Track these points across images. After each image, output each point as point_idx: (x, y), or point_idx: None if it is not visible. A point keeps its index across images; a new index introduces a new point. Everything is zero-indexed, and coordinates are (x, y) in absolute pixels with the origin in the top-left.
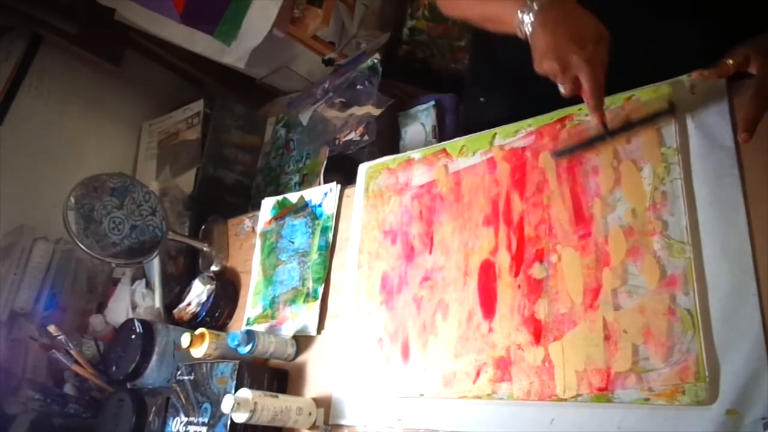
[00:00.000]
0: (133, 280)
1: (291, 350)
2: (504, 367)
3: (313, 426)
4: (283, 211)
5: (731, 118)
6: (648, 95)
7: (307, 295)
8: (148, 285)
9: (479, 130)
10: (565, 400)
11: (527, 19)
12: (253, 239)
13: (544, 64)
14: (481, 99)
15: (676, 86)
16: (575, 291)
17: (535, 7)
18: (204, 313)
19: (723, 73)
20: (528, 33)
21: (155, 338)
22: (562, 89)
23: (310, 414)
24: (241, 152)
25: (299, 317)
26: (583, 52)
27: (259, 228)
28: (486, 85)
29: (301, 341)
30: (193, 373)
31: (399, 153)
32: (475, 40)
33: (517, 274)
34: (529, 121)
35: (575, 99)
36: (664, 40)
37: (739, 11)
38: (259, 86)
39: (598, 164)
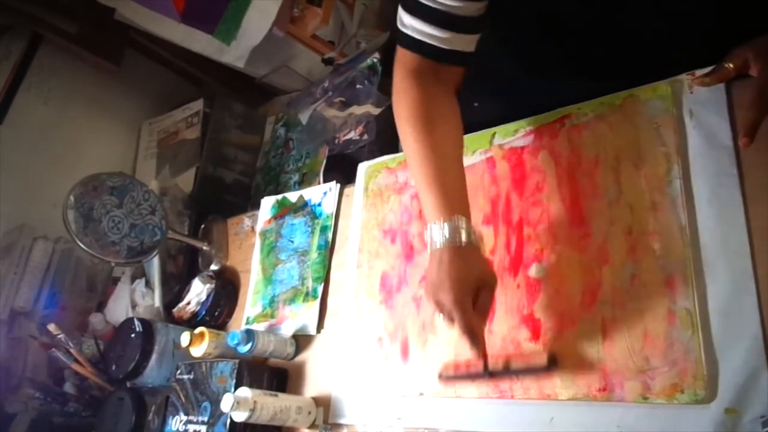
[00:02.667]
0: (132, 279)
1: (290, 349)
2: (504, 366)
3: (313, 425)
4: (283, 210)
5: (730, 118)
6: (647, 94)
7: (307, 294)
8: (148, 284)
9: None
10: (565, 399)
11: (432, 239)
12: (253, 238)
13: (426, 297)
14: (475, 104)
15: (675, 85)
16: (574, 290)
17: (437, 237)
18: (204, 312)
19: (723, 77)
20: (429, 251)
21: (155, 337)
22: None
23: (309, 413)
24: (241, 151)
25: (299, 316)
26: (454, 295)
27: (259, 227)
28: (479, 90)
29: (301, 340)
30: (192, 372)
31: (398, 152)
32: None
33: (516, 274)
34: (529, 120)
35: (572, 101)
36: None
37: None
38: (259, 85)
39: (598, 164)
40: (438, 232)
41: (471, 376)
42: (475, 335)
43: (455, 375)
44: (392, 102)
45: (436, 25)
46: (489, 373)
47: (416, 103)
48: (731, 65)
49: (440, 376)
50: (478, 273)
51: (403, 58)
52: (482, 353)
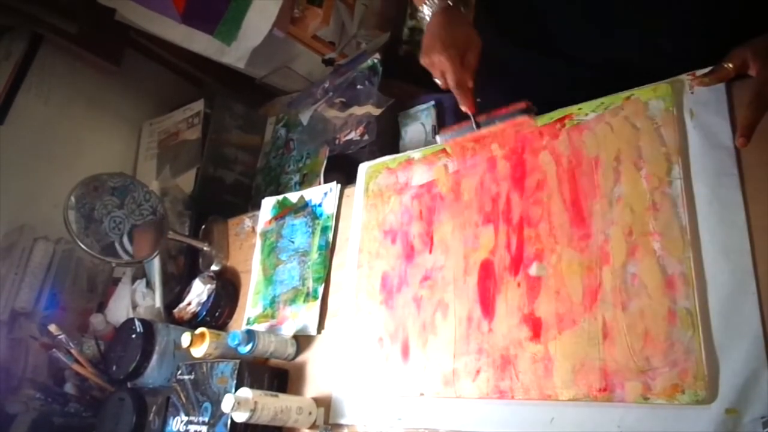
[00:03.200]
0: (133, 280)
1: (291, 350)
2: (504, 366)
3: (313, 425)
4: (284, 210)
5: (730, 118)
6: (647, 94)
7: (307, 294)
8: (149, 284)
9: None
10: (565, 399)
11: (427, 13)
12: (254, 239)
13: (421, 60)
14: (478, 100)
15: (675, 85)
16: (575, 290)
17: (428, 12)
18: (204, 313)
19: (723, 78)
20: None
21: (155, 338)
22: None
23: (310, 413)
24: (241, 152)
25: (299, 317)
26: (446, 53)
27: (260, 228)
28: (482, 87)
29: (301, 341)
30: (193, 373)
31: (399, 153)
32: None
33: (516, 274)
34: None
35: (571, 100)
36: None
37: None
38: (259, 86)
39: (598, 164)
40: (429, 3)
41: (463, 131)
42: (464, 88)
43: (451, 132)
44: None
45: None
46: (477, 125)
47: None
48: (731, 65)
49: (439, 135)
50: (464, 35)
51: None
52: (471, 105)
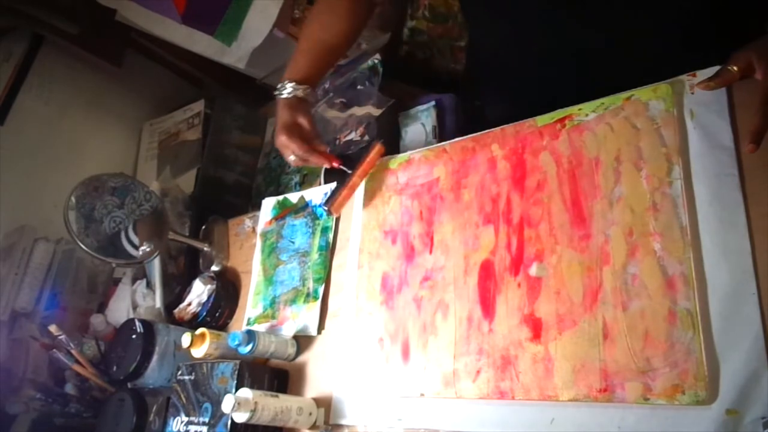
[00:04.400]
0: (133, 280)
1: (291, 350)
2: (504, 366)
3: (314, 426)
4: (284, 211)
5: (731, 118)
6: (647, 95)
7: (308, 295)
8: (149, 285)
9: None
10: (565, 399)
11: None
12: (254, 239)
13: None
14: (477, 103)
15: (676, 85)
16: (575, 291)
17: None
18: (204, 313)
19: (728, 81)
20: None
21: (156, 338)
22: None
23: (310, 414)
24: (242, 152)
25: (300, 317)
26: (284, 137)
27: (260, 228)
28: (480, 89)
29: (302, 341)
30: (193, 373)
31: (399, 153)
32: (470, 43)
33: (517, 274)
34: (529, 121)
35: (571, 100)
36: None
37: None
38: (260, 86)
39: (599, 165)
40: (285, 88)
41: (338, 185)
42: (317, 154)
43: (334, 197)
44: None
45: None
46: (349, 169)
47: (321, 2)
48: (735, 68)
49: (329, 211)
50: (292, 116)
51: None
52: (330, 161)
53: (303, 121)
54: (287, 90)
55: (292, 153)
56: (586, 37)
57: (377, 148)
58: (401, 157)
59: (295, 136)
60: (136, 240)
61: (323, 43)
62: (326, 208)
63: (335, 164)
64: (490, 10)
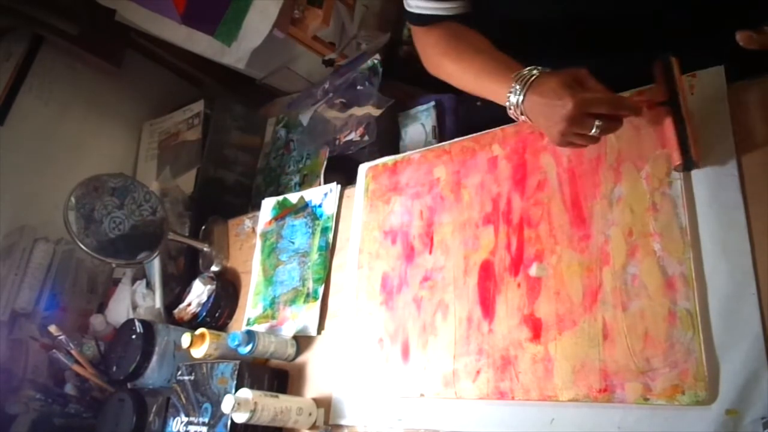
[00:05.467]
0: (133, 281)
1: (291, 350)
2: (504, 366)
3: (314, 426)
4: (284, 211)
5: (731, 118)
6: (648, 94)
7: (308, 295)
8: (149, 285)
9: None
10: (565, 400)
11: (516, 100)
12: (254, 239)
13: (560, 143)
14: (478, 103)
15: None
16: (575, 291)
17: (520, 94)
18: (204, 314)
19: (764, 43)
20: (522, 115)
21: (156, 338)
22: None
23: (310, 414)
24: (242, 153)
25: (299, 317)
26: (571, 107)
27: (260, 228)
28: None
29: (302, 341)
30: (193, 373)
31: (399, 153)
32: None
33: (516, 274)
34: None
35: None
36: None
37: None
38: (260, 87)
39: (599, 165)
40: (514, 96)
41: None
42: (628, 101)
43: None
44: (427, 66)
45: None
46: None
47: (441, 43)
48: None
49: (696, 164)
50: (563, 79)
51: (417, 34)
52: (644, 101)
53: (567, 72)
54: (531, 74)
55: (596, 117)
56: (582, 33)
57: (671, 64)
58: (401, 157)
59: (587, 89)
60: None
61: (485, 48)
62: (687, 163)
63: (652, 105)
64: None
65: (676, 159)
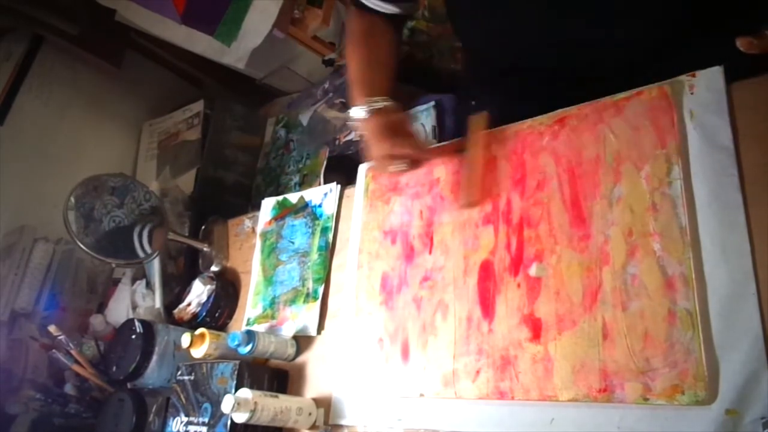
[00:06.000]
0: (133, 281)
1: (291, 350)
2: (504, 366)
3: (313, 426)
4: (283, 211)
5: (730, 119)
6: (647, 95)
7: (307, 295)
8: (149, 285)
9: None
10: (565, 400)
11: (358, 116)
12: (253, 239)
13: (375, 169)
14: (473, 102)
15: (675, 86)
16: (575, 291)
17: (363, 115)
18: (204, 314)
19: (765, 47)
20: (358, 129)
21: (155, 338)
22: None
23: (310, 414)
24: (241, 153)
25: (299, 317)
26: (384, 144)
27: (259, 228)
28: (476, 89)
29: (301, 341)
30: (193, 373)
31: None
32: (464, 44)
33: (516, 274)
34: (528, 121)
35: (566, 101)
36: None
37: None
38: (259, 87)
39: (598, 165)
40: (358, 113)
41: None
42: (428, 149)
43: (467, 189)
44: (344, 43)
45: None
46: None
47: (357, 31)
48: None
49: (470, 204)
50: (383, 123)
51: (351, 12)
52: (449, 149)
53: (394, 118)
54: (361, 111)
55: (399, 159)
56: (577, 36)
57: (475, 119)
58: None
59: (399, 137)
60: (147, 247)
61: (374, 62)
62: (468, 203)
63: (451, 154)
64: (476, 9)
65: (457, 198)
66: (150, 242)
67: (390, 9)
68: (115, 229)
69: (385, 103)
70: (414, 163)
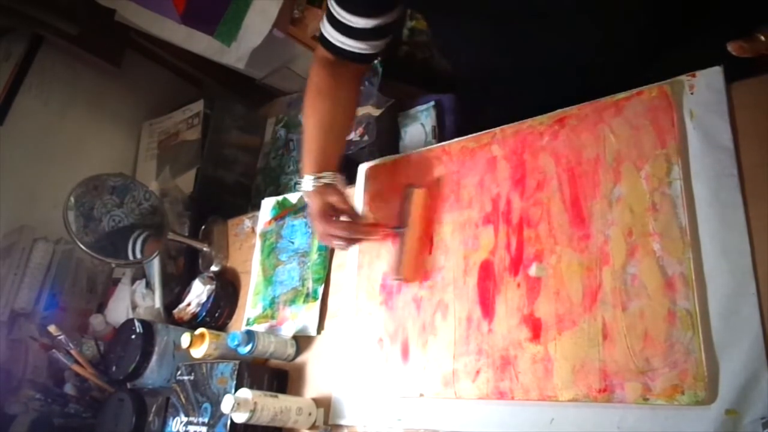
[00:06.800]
0: (133, 280)
1: (291, 350)
2: (503, 366)
3: (313, 426)
4: (283, 211)
5: (730, 119)
6: (647, 95)
7: (307, 295)
8: (149, 285)
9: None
10: (565, 400)
11: (305, 187)
12: (253, 239)
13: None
14: (472, 103)
15: (675, 86)
16: (574, 291)
17: (309, 187)
18: (204, 313)
19: (757, 49)
20: (306, 198)
21: (155, 338)
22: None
23: (310, 414)
24: (241, 152)
25: (299, 317)
26: (323, 225)
27: (259, 228)
28: (475, 89)
29: (301, 341)
30: (193, 373)
31: (399, 153)
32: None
33: (516, 274)
34: (528, 121)
35: (564, 101)
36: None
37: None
38: (259, 86)
39: (598, 165)
40: (306, 185)
41: (403, 247)
42: (363, 229)
43: (399, 264)
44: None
45: (341, 33)
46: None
47: (320, 83)
48: (762, 38)
49: (404, 280)
50: (322, 205)
51: (318, 51)
52: (380, 227)
53: (334, 199)
54: (310, 184)
55: (337, 238)
56: (564, 46)
57: (416, 194)
58: (401, 157)
59: (333, 219)
60: (139, 254)
61: (329, 127)
62: (398, 278)
63: (387, 232)
64: (460, 18)
65: (391, 272)
66: (142, 251)
67: (359, 48)
68: (114, 229)
69: (332, 179)
70: (351, 240)
